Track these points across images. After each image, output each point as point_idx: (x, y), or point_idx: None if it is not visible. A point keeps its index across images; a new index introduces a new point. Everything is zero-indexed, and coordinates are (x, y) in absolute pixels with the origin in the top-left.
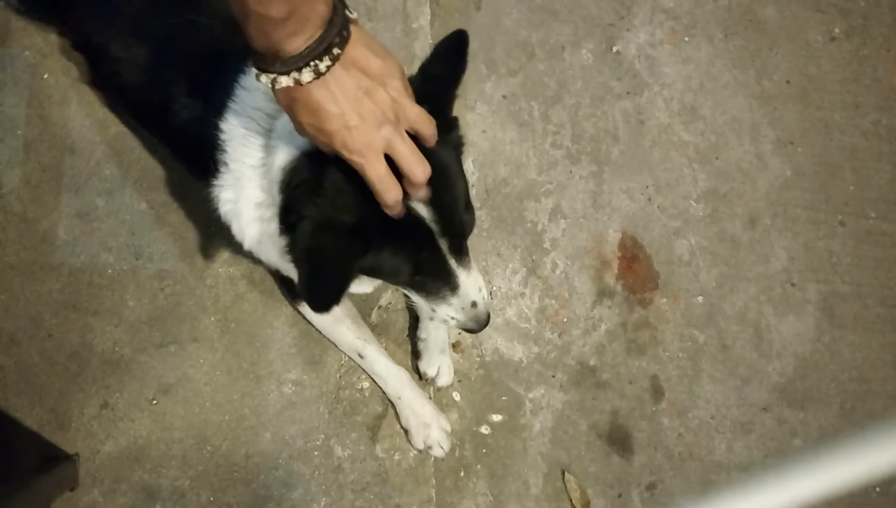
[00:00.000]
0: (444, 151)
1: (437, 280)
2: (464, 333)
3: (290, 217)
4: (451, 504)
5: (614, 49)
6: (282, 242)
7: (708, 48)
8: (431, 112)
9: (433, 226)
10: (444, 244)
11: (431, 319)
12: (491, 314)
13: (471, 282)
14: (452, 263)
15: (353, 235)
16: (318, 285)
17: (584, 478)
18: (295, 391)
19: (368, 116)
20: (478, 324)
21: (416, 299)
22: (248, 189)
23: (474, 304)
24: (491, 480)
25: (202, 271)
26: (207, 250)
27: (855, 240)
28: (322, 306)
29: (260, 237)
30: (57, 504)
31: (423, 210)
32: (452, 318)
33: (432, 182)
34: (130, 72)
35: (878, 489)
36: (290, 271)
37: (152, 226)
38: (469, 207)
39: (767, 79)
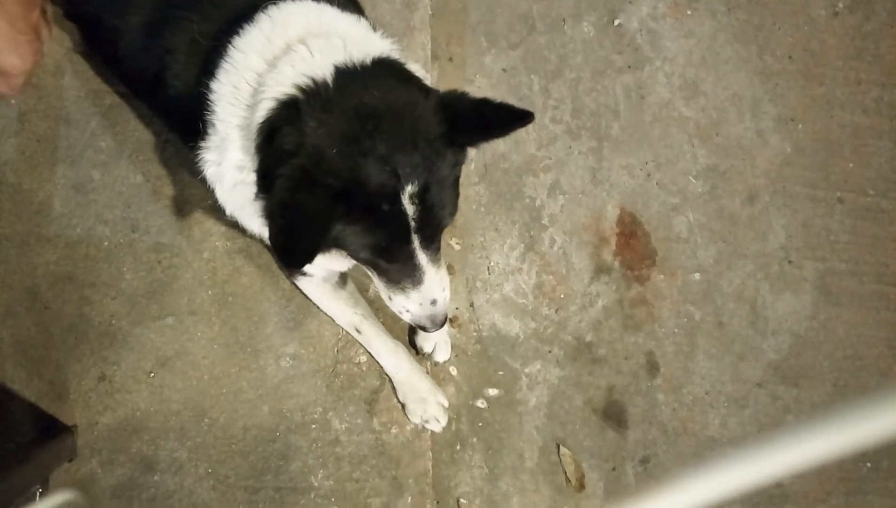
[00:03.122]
0: (444, 164)
1: (402, 271)
2: (461, 307)
3: (265, 180)
4: (447, 476)
5: (616, 22)
6: (258, 205)
7: (710, 22)
8: (453, 128)
9: (412, 222)
10: (417, 239)
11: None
12: (447, 317)
13: (436, 280)
14: (422, 257)
15: (335, 198)
16: (293, 240)
17: (579, 452)
18: (293, 364)
19: None
20: (432, 323)
21: (377, 282)
22: (231, 150)
23: (434, 302)
24: (487, 453)
25: (199, 245)
26: (204, 224)
27: (853, 217)
28: (294, 262)
29: (242, 202)
30: (55, 474)
31: (409, 207)
32: (407, 311)
33: (428, 187)
34: (124, 41)
35: (868, 464)
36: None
37: (149, 199)
38: (454, 212)
39: (769, 54)
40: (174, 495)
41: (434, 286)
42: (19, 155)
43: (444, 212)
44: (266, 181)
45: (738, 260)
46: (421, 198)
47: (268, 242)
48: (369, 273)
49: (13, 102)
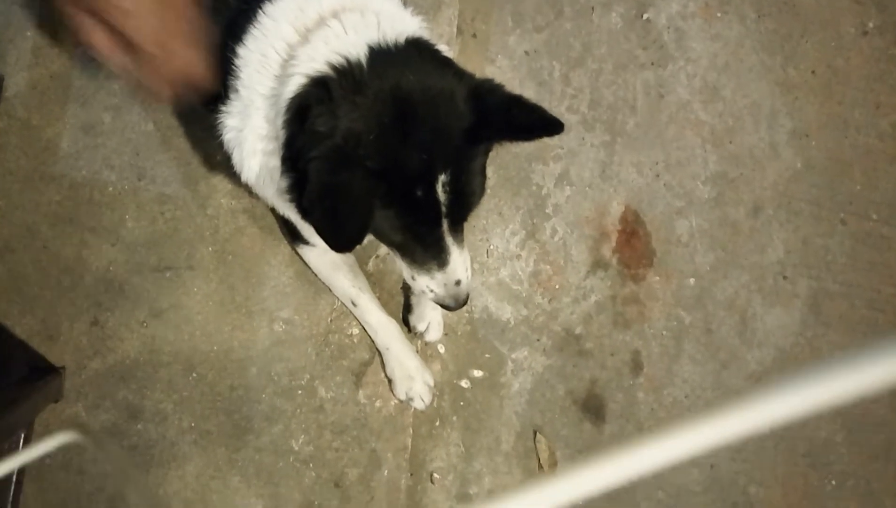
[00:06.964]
0: (475, 152)
1: (428, 252)
2: None
3: (296, 158)
4: (423, 450)
5: (644, 16)
6: (282, 181)
7: (739, 27)
8: (481, 121)
9: (443, 208)
10: (446, 223)
11: (411, 287)
12: (470, 296)
13: (460, 261)
14: (448, 240)
15: (373, 177)
16: (339, 221)
17: (555, 441)
18: (285, 329)
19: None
20: (456, 302)
21: (400, 262)
22: (254, 118)
23: (458, 282)
24: (465, 432)
25: (204, 200)
26: (210, 180)
27: (853, 240)
28: (344, 245)
29: (259, 171)
30: (41, 416)
31: (440, 193)
32: (431, 291)
33: (459, 174)
34: None
35: (833, 482)
36: (287, 210)
37: (157, 148)
38: (481, 197)
39: (793, 67)
40: (156, 445)
41: (459, 268)
42: (30, 90)
43: (473, 198)
44: (294, 162)
45: (734, 270)
46: (452, 185)
47: (281, 213)
48: (392, 253)
49: (28, 34)
